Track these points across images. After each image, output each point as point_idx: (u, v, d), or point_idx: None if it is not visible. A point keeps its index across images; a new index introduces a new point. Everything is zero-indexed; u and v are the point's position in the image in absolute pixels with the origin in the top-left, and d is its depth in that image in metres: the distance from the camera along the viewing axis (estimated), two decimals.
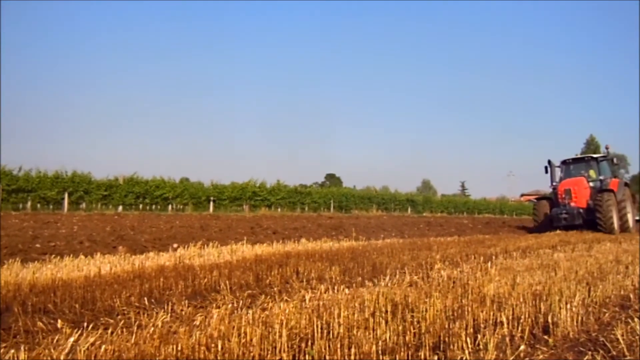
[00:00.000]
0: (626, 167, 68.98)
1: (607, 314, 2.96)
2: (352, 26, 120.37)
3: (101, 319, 2.82)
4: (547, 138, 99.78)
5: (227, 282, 3.91)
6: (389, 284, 3.72)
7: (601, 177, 17.02)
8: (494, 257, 5.88)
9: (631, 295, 3.56)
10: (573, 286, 3.47)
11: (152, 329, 2.36)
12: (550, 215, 16.45)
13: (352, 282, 4.10)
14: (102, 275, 4.24)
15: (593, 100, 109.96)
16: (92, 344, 2.18)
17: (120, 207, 25.54)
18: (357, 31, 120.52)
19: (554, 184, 17.18)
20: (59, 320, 2.67)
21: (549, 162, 17.66)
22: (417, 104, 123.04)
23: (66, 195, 23.73)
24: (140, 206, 26.89)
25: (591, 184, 16.90)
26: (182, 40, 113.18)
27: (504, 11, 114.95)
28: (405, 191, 40.60)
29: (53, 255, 5.92)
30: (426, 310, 2.64)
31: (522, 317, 2.64)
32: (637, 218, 18.99)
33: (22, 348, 2.20)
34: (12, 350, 2.20)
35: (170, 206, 28.14)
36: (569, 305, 2.81)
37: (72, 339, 2.22)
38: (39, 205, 23.48)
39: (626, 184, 17.61)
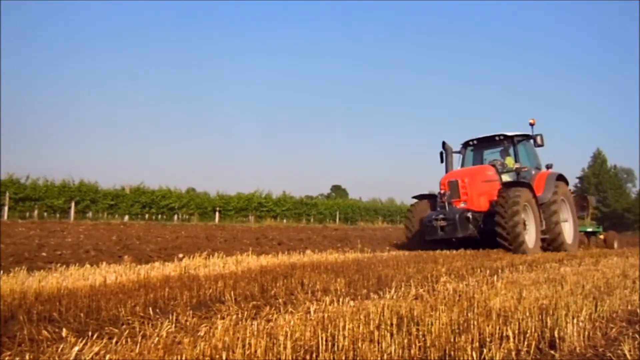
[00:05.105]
0: (633, 181, 68.51)
1: (614, 329, 2.93)
2: (354, 35, 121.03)
3: (106, 328, 2.82)
4: (550, 150, 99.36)
5: (232, 292, 3.90)
6: (395, 297, 3.70)
7: (517, 165, 11.55)
8: (500, 271, 5.84)
9: (638, 311, 3.52)
10: (580, 300, 3.44)
11: (157, 339, 2.35)
12: (422, 224, 10.83)
13: (357, 294, 4.09)
14: (107, 284, 4.24)
15: (598, 113, 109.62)
16: (97, 354, 2.18)
17: (127, 217, 25.70)
18: (360, 40, 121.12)
19: None
20: (64, 329, 2.67)
21: (444, 145, 11.99)
22: (424, 114, 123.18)
23: (73, 204, 23.91)
24: (147, 216, 27.04)
25: (506, 176, 11.51)
26: (190, 51, 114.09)
27: (507, 20, 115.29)
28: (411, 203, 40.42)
29: (59, 264, 5.93)
30: (432, 324, 2.62)
31: (529, 331, 2.62)
32: (590, 229, 15.01)
33: (26, 356, 2.21)
34: (17, 359, 2.21)
35: (176, 216, 28.26)
36: (575, 320, 2.78)
37: (76, 348, 2.22)
38: (45, 214, 23.68)
39: (561, 178, 12.02)
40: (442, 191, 10.78)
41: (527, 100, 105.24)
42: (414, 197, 12.42)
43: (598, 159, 59.51)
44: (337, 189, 73.92)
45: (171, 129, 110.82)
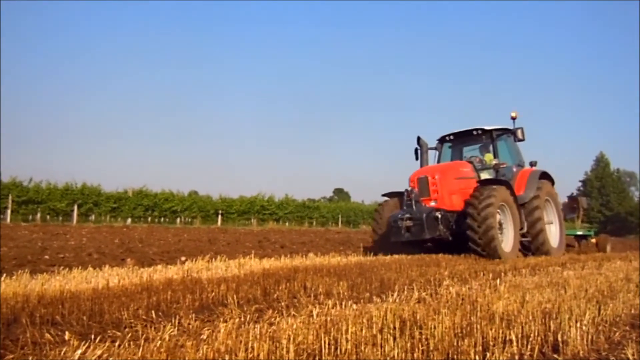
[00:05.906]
0: (636, 184, 68.36)
1: (617, 333, 2.92)
2: (355, 36, 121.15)
3: (109, 331, 2.82)
4: (553, 153, 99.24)
5: (235, 296, 3.90)
6: (397, 300, 3.70)
7: (495, 162, 10.59)
8: (503, 274, 5.83)
9: None
10: (583, 304, 3.43)
11: (159, 342, 2.35)
12: (388, 225, 9.79)
13: (359, 297, 4.08)
14: (110, 287, 4.25)
15: (601, 116, 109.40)
16: (99, 357, 2.18)
17: (129, 220, 25.73)
18: (361, 41, 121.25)
19: None
20: (67, 332, 2.68)
21: (419, 141, 11.01)
22: (426, 116, 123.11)
23: (75, 207, 23.95)
24: (149, 219, 27.07)
25: (485, 174, 10.57)
26: (191, 52, 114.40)
27: (509, 22, 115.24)
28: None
29: (62, 267, 5.94)
30: (434, 327, 2.62)
31: (532, 335, 2.62)
32: (581, 233, 14.27)
33: (29, 359, 2.21)
34: None
35: (178, 219, 28.29)
36: (578, 324, 2.78)
37: (79, 351, 2.22)
38: (48, 217, 23.72)
39: (545, 176, 11.09)
40: (410, 188, 9.80)
41: (529, 102, 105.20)
42: (384, 195, 11.14)
43: (601, 163, 59.32)
44: (339, 192, 73.97)
45: (174, 132, 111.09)
